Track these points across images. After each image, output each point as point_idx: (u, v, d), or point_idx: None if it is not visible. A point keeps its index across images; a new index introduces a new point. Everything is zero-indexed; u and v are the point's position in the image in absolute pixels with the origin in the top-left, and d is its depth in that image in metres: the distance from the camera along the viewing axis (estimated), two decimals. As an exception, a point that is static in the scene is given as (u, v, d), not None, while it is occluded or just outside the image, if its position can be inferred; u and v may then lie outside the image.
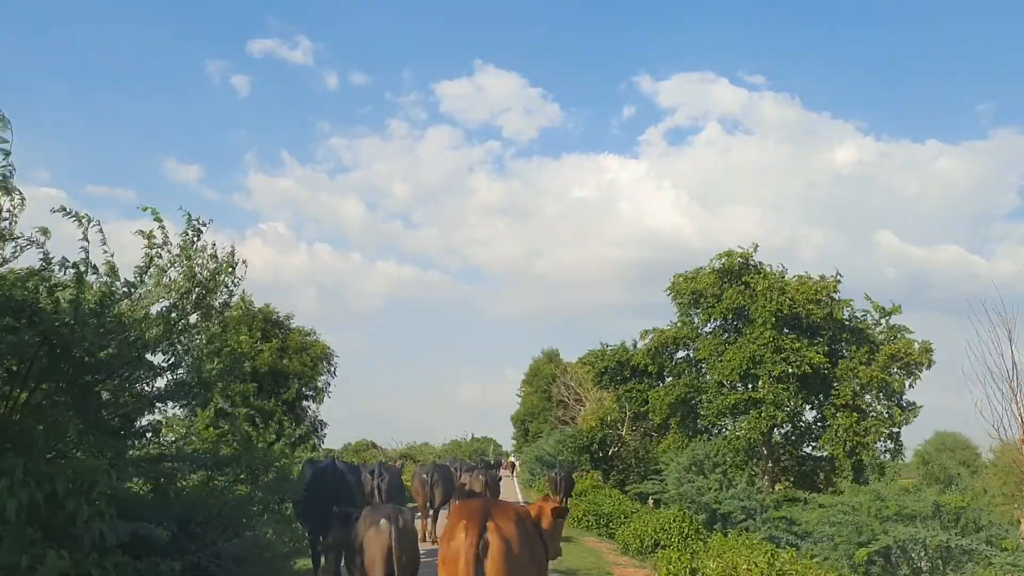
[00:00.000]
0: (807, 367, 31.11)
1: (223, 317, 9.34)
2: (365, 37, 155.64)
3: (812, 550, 16.05)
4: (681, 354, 37.38)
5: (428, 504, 19.64)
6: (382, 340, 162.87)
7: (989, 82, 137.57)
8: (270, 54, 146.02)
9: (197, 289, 8.23)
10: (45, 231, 7.01)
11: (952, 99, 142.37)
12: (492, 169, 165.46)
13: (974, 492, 19.19)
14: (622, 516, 23.50)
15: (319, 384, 29.16)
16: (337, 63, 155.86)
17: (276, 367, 27.16)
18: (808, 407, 33.94)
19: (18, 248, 7.00)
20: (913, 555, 15.06)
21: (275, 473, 10.08)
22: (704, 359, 34.44)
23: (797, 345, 31.42)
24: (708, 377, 34.95)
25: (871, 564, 15.63)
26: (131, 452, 9.12)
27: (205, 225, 9.04)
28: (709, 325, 35.54)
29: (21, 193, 6.69)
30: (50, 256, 7.03)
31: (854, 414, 32.03)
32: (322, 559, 10.84)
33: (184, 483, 9.47)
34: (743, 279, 33.75)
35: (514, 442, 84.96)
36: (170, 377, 9.13)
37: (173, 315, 8.23)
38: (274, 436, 19.19)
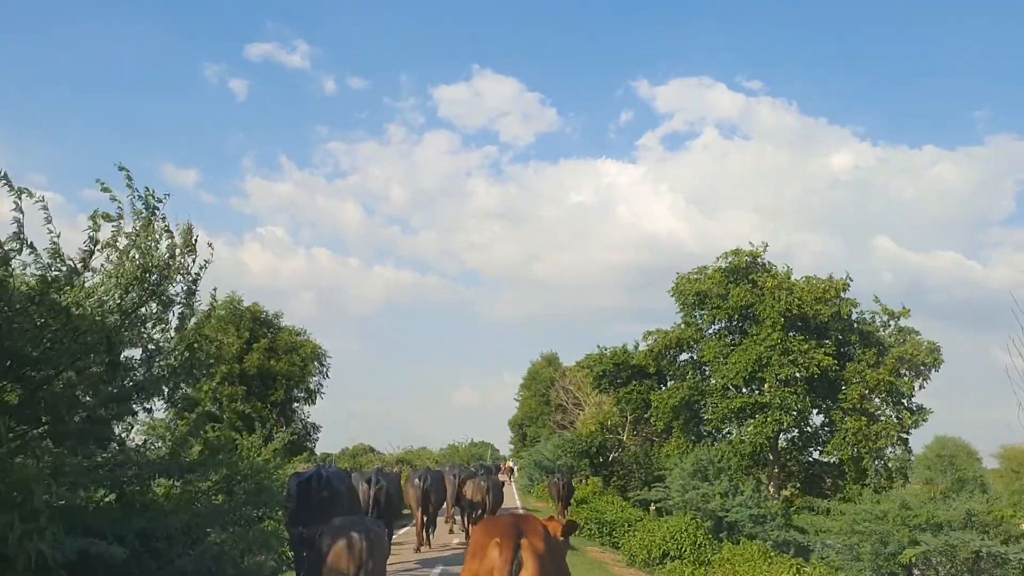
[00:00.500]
0: (815, 369, 30.16)
1: (188, 307, 8.34)
2: (363, 41, 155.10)
3: (834, 560, 15.07)
4: (684, 356, 36.44)
5: (422, 511, 18.72)
6: (380, 344, 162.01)
7: (986, 88, 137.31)
8: (268, 58, 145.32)
9: (152, 272, 7.24)
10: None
11: (949, 105, 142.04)
12: (489, 174, 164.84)
13: (999, 498, 18.19)
14: (625, 524, 22.54)
15: (310, 385, 28.14)
16: (335, 67, 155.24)
17: (264, 368, 26.13)
18: (815, 411, 33.03)
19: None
20: (940, 568, 14.11)
21: (255, 482, 9.10)
22: (708, 361, 33.50)
23: (805, 347, 30.48)
24: (712, 380, 34.00)
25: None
26: (98, 457, 8.13)
27: (161, 201, 8.07)
28: (714, 326, 34.63)
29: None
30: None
31: (863, 418, 31.08)
32: None
33: (153, 493, 8.46)
34: (750, 278, 32.80)
35: (511, 446, 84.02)
36: (135, 374, 8.15)
37: (127, 302, 7.23)
38: (263, 441, 18.14)
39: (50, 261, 6.47)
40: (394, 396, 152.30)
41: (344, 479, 12.80)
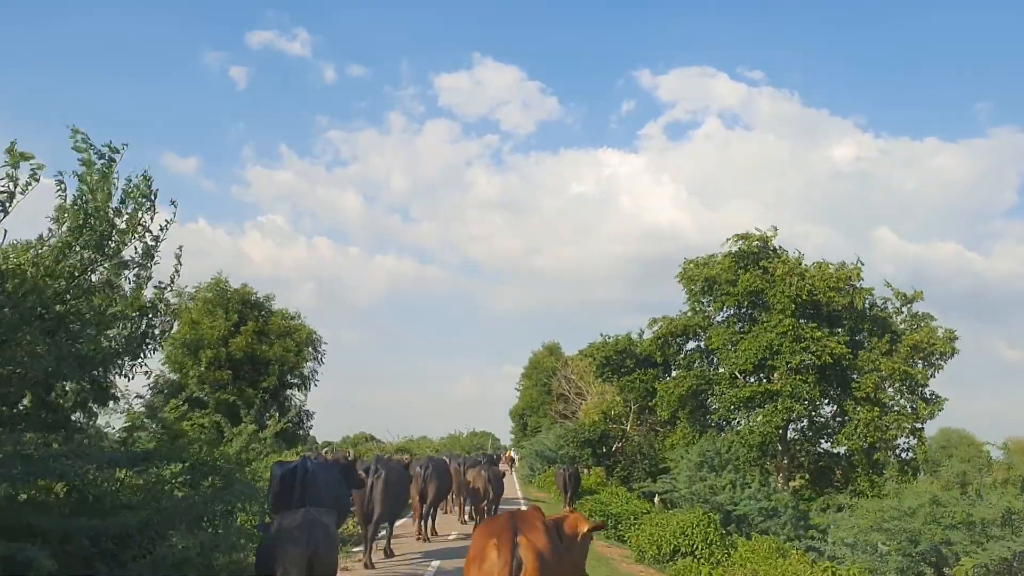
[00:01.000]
0: (828, 357, 29.18)
1: (145, 269, 7.29)
2: (363, 30, 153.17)
3: (852, 559, 14.09)
4: (691, 345, 35.49)
5: (421, 500, 17.75)
6: (381, 334, 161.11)
7: (988, 80, 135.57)
8: (268, 46, 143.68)
9: (102, 229, 6.20)
10: None
11: (951, 97, 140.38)
12: (490, 163, 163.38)
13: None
14: (632, 517, 21.54)
15: (304, 372, 27.12)
16: (335, 55, 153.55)
17: (255, 352, 25.11)
18: (826, 401, 32.09)
19: None
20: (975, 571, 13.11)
21: (223, 474, 8.11)
22: (716, 349, 32.53)
23: (818, 334, 29.48)
24: (720, 368, 33.06)
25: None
26: (54, 444, 7.11)
27: (119, 152, 7.02)
28: (722, 313, 33.65)
29: None
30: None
31: (876, 408, 30.15)
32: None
33: (110, 487, 7.44)
34: (761, 263, 31.76)
35: (512, 436, 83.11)
36: (80, 345, 7.09)
37: (72, 263, 6.20)
38: (251, 429, 17.12)
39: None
40: (395, 386, 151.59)
41: (331, 469, 11.89)
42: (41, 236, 6.73)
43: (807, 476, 33.88)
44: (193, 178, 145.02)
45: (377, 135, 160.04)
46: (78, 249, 6.23)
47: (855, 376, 31.11)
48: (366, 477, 13.91)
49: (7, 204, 5.66)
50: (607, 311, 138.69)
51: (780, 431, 31.01)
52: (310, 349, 27.31)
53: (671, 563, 15.14)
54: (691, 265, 34.39)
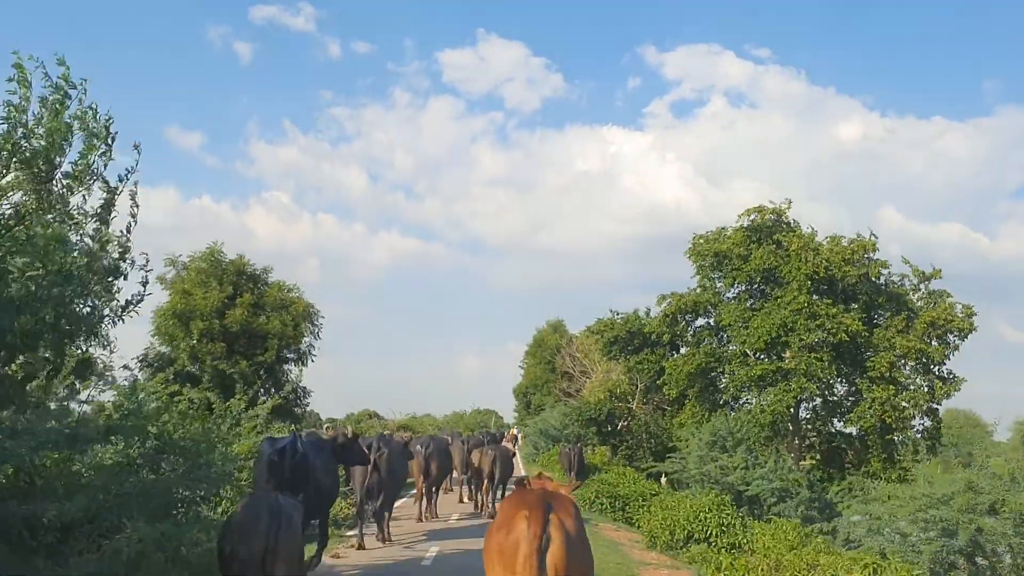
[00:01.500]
0: (844, 335, 28.16)
1: (104, 223, 6.33)
2: (367, 5, 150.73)
3: (884, 547, 13.19)
4: (700, 322, 34.47)
5: (423, 478, 17.04)
6: (385, 311, 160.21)
7: (996, 59, 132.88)
8: (272, 20, 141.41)
9: (30, 163, 5.23)
10: None
11: (958, 76, 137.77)
12: (495, 140, 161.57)
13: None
14: (640, 499, 20.68)
15: (302, 347, 26.18)
16: (339, 30, 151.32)
17: (252, 325, 24.14)
18: (839, 379, 31.12)
19: None
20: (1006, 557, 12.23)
21: (189, 455, 7.19)
22: (727, 326, 31.53)
23: (833, 311, 28.43)
24: (731, 346, 32.09)
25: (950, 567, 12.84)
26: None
27: (76, 88, 6.03)
28: (733, 289, 32.61)
29: None
30: None
31: (891, 387, 29.19)
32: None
33: (70, 467, 6.52)
34: (775, 237, 30.67)
35: (516, 414, 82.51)
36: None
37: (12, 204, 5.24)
38: (244, 405, 16.26)
39: None
40: (398, 363, 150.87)
41: (322, 450, 11.02)
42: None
43: (818, 456, 33.03)
44: (197, 154, 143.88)
45: (381, 111, 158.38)
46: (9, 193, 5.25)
47: (870, 354, 30.14)
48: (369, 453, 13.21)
49: None
50: (611, 289, 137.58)
51: (792, 410, 30.12)
52: (307, 323, 26.32)
53: (685, 549, 14.29)
54: (700, 240, 33.33)
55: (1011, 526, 11.28)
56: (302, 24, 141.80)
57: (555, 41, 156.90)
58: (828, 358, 28.96)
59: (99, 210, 6.50)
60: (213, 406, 15.67)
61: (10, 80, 5.54)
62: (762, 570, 10.52)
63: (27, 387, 7.42)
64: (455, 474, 21.14)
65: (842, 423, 31.95)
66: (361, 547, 12.58)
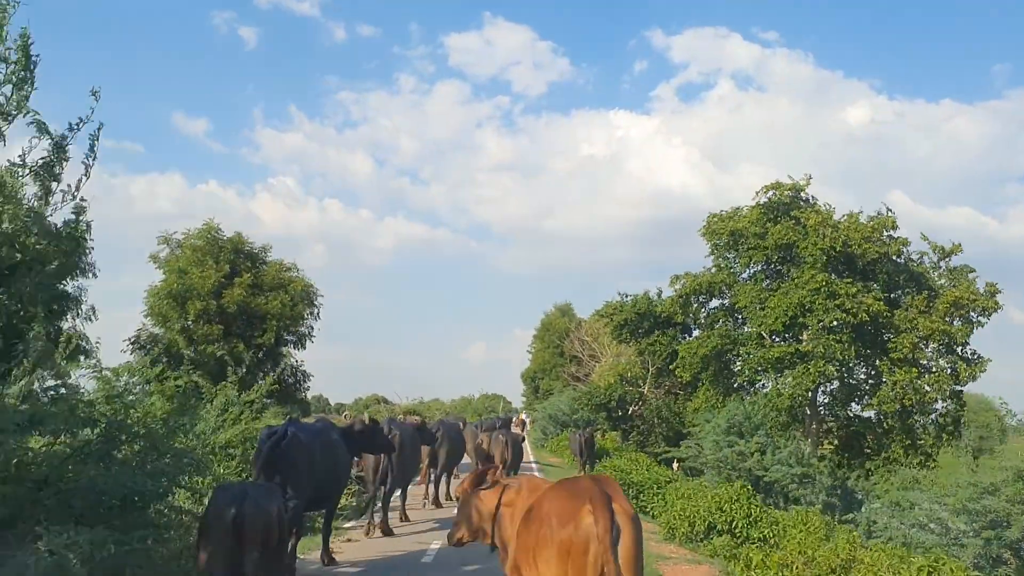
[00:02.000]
0: (864, 315, 27.03)
1: (47, 176, 5.34)
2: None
3: (918, 539, 12.21)
4: (715, 303, 33.41)
5: (432, 465, 16.53)
6: (392, 296, 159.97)
7: (1005, 42, 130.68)
8: (277, 4, 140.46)
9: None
10: None
11: (968, 59, 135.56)
12: (501, 124, 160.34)
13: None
14: (655, 487, 19.72)
15: (301, 328, 25.13)
16: (344, 14, 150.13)
17: (250, 306, 23.04)
18: (859, 362, 30.02)
19: None
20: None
21: (148, 440, 6.24)
22: (743, 307, 30.42)
23: (853, 290, 27.28)
24: (747, 328, 31.01)
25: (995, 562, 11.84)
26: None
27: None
28: (749, 269, 31.51)
29: None
30: None
31: (913, 369, 28.09)
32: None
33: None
34: (792, 214, 29.52)
35: (524, 399, 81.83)
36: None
37: None
38: (237, 388, 15.33)
39: None
40: (406, 348, 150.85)
41: (320, 434, 10.15)
42: None
43: (836, 442, 32.02)
44: (202, 139, 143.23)
45: (387, 96, 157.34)
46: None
47: (890, 336, 29.04)
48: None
49: None
50: (617, 274, 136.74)
51: (810, 394, 29.07)
52: (306, 304, 25.18)
53: (706, 542, 13.34)
54: (715, 219, 32.21)
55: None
56: (307, 8, 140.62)
57: (561, 24, 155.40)
58: (847, 339, 27.85)
59: (40, 162, 5.51)
60: (202, 390, 14.78)
61: None
62: (797, 568, 9.58)
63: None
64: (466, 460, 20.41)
65: (861, 407, 30.93)
66: (371, 532, 12.47)
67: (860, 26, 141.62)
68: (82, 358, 8.17)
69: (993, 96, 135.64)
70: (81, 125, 5.99)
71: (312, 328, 25.55)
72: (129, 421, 6.16)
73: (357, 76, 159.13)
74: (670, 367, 34.54)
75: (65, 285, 7.04)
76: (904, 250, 29.99)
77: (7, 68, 4.92)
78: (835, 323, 27.63)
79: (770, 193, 30.09)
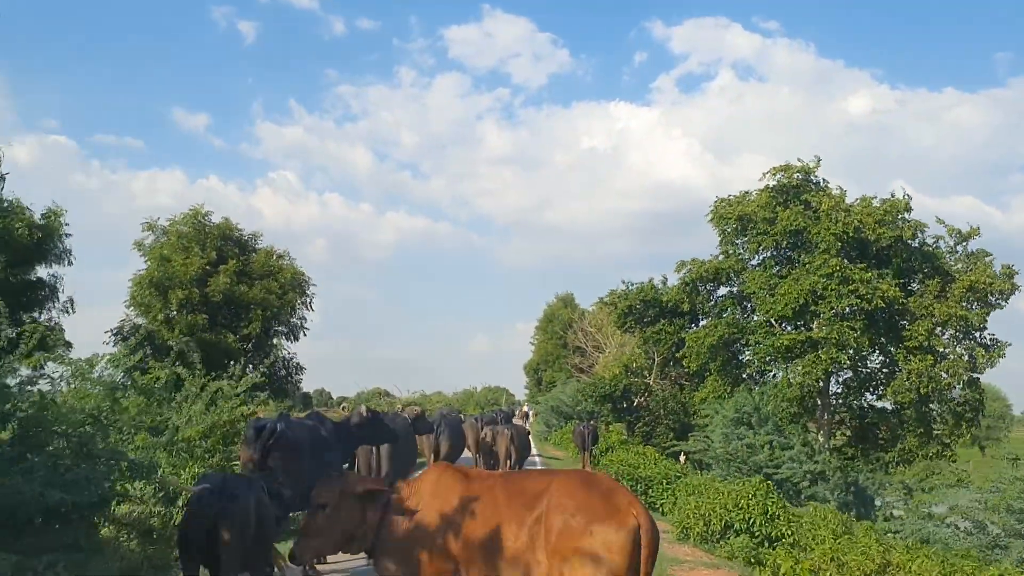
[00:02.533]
0: (879, 301, 25.98)
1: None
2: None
3: (952, 541, 11.27)
4: (723, 291, 32.38)
5: (433, 458, 15.76)
6: (393, 290, 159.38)
7: (1008, 30, 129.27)
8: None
9: None
10: None
11: (970, 47, 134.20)
12: (501, 117, 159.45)
13: None
14: (664, 482, 18.77)
15: (293, 320, 24.09)
16: (343, 8, 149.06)
17: (235, 294, 22.00)
18: (873, 350, 28.99)
19: None
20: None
21: (77, 432, 5.35)
22: (752, 295, 29.39)
23: (867, 275, 26.24)
24: (756, 316, 30.00)
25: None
26: None
27: None
28: (758, 255, 30.46)
29: None
30: None
31: (929, 357, 27.05)
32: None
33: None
34: (803, 198, 28.48)
35: (527, 391, 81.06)
36: None
37: None
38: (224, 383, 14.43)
39: None
40: (408, 341, 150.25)
41: (313, 429, 9.43)
42: None
43: (848, 433, 31.05)
44: (203, 134, 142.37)
45: (387, 90, 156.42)
46: None
47: (906, 323, 28.02)
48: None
49: None
50: (618, 266, 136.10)
51: (821, 383, 28.07)
52: (296, 293, 24.14)
53: (723, 542, 12.39)
54: (723, 204, 31.15)
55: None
56: (306, 2, 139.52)
57: (561, 16, 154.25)
58: (861, 327, 26.82)
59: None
60: (183, 383, 13.86)
61: None
62: (829, 574, 8.64)
63: None
64: (468, 454, 19.61)
65: (875, 397, 29.93)
66: None
67: (861, 15, 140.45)
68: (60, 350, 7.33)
69: (996, 84, 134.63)
70: None
71: (305, 319, 24.54)
72: (50, 417, 5.22)
73: (357, 69, 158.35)
74: (676, 356, 33.59)
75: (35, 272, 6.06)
76: (919, 234, 28.93)
77: None
78: (848, 310, 26.62)
79: (779, 175, 29.02)
